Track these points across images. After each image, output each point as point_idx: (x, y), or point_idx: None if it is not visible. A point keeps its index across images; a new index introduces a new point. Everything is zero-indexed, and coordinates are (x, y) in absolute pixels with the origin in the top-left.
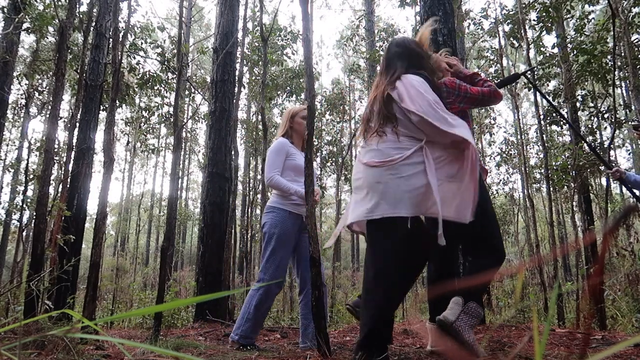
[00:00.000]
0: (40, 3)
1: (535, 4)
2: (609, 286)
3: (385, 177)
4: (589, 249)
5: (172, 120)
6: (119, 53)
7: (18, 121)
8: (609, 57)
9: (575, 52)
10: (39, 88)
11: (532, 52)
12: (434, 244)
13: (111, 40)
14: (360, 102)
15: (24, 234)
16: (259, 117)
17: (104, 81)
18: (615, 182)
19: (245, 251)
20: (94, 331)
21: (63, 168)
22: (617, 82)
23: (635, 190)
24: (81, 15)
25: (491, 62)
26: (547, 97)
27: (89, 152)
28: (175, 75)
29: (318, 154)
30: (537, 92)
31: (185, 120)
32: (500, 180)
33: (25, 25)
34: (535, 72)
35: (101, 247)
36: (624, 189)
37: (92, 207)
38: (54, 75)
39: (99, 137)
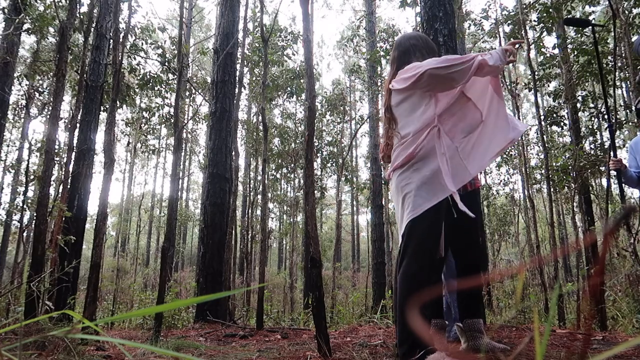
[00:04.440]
0: (40, 4)
1: (536, 5)
2: (610, 287)
3: None
4: (589, 249)
5: (172, 121)
6: (120, 54)
7: (18, 122)
8: (609, 57)
9: (575, 53)
10: (40, 89)
11: (532, 53)
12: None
13: (112, 41)
14: (361, 102)
15: (25, 234)
16: (260, 117)
17: (105, 82)
18: (613, 171)
19: (246, 252)
20: (94, 332)
21: (63, 169)
22: (618, 83)
23: (625, 186)
24: (82, 16)
25: None
26: (599, 56)
27: (89, 153)
28: (175, 76)
29: (318, 154)
30: (596, 50)
31: (185, 121)
32: (501, 181)
33: (25, 26)
34: (536, 73)
35: (102, 247)
36: (624, 188)
37: (92, 208)
38: (54, 76)
39: (100, 137)
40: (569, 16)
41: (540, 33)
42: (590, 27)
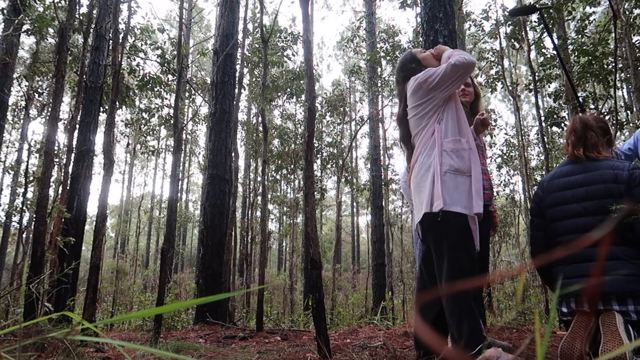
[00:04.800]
0: (40, 4)
1: (537, 5)
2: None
3: None
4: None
5: (172, 122)
6: (119, 55)
7: (18, 123)
8: (610, 58)
9: (576, 54)
10: (39, 90)
11: (533, 54)
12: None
13: (111, 41)
14: (361, 103)
15: (24, 236)
16: (259, 118)
17: (104, 83)
18: None
19: (246, 253)
20: (93, 333)
21: (63, 170)
22: (619, 84)
23: None
24: (81, 17)
25: (492, 63)
26: (552, 37)
27: (88, 154)
28: (175, 77)
29: (318, 155)
30: (548, 32)
31: (185, 122)
32: (501, 182)
33: (25, 27)
34: (537, 74)
35: (101, 249)
36: None
37: (92, 209)
38: (54, 77)
39: (99, 139)
40: (569, 17)
41: (540, 34)
42: (539, 11)
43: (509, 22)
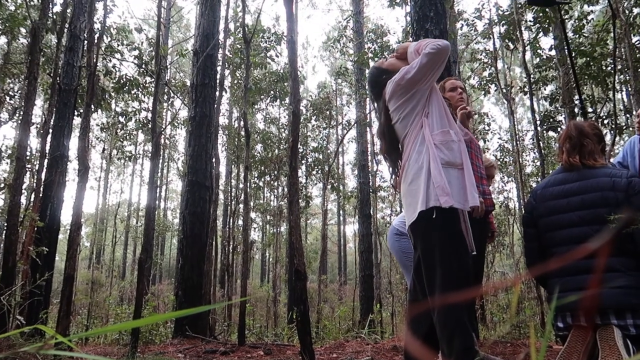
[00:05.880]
0: (11, 3)
1: None
2: None
3: None
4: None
5: (149, 126)
6: (94, 55)
7: None
8: (609, 59)
9: (574, 54)
10: (10, 92)
11: (528, 55)
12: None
13: (86, 42)
14: (348, 107)
15: None
16: (241, 122)
17: (79, 85)
18: None
19: (227, 264)
20: (67, 348)
21: (35, 176)
22: (618, 86)
23: None
24: (54, 16)
25: (485, 65)
26: (566, 31)
27: (62, 160)
28: (153, 79)
29: (303, 161)
30: (562, 26)
31: (163, 126)
32: (495, 189)
33: None
34: (532, 76)
35: (75, 259)
36: None
37: (66, 217)
38: (26, 79)
39: (73, 143)
40: (566, 16)
41: (536, 34)
42: (557, 6)
43: (503, 22)
